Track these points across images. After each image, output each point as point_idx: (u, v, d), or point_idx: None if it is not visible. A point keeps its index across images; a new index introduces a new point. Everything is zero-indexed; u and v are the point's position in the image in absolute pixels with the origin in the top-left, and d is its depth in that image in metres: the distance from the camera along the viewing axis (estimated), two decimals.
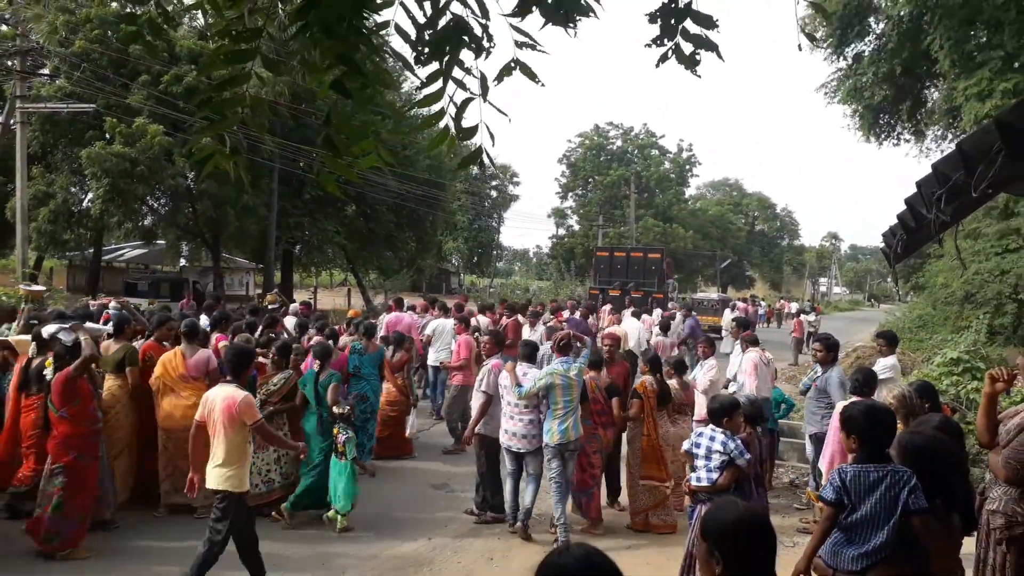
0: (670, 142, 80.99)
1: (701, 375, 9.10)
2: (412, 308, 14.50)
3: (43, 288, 13.61)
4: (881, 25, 19.45)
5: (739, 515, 2.53)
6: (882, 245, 5.23)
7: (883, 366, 8.40)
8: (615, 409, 7.78)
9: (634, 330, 14.75)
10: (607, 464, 8.09)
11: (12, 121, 20.15)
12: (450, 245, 59.18)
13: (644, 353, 11.35)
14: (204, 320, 10.16)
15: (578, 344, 7.82)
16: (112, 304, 11.79)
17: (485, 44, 2.26)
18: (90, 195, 24.74)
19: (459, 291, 50.60)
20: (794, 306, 39.12)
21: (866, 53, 20.17)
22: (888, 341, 8.96)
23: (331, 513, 7.21)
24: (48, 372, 6.45)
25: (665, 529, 7.54)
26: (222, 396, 5.45)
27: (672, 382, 8.18)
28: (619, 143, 64.80)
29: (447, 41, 2.20)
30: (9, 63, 20.84)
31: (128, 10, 24.33)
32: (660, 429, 7.70)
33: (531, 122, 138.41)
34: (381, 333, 11.67)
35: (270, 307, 13.62)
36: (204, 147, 2.57)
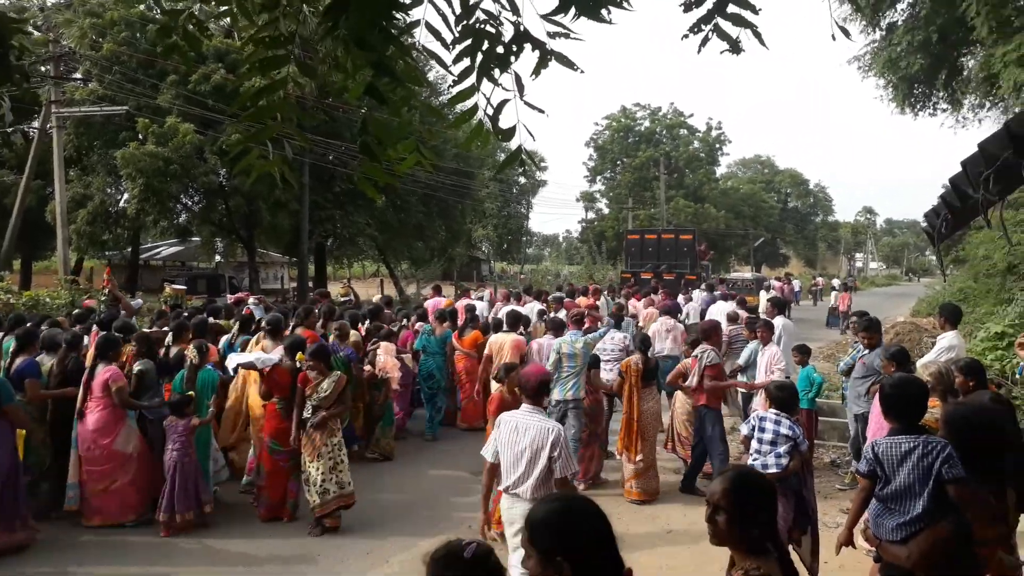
0: (699, 121, 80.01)
1: (763, 362, 9.00)
2: (481, 298, 15.93)
3: (184, 287, 14.31)
4: None
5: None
6: (924, 225, 5.14)
7: (944, 345, 7.63)
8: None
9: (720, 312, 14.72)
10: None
11: (48, 126, 20.52)
12: (480, 233, 59.14)
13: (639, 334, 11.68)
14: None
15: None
16: (252, 300, 13.58)
17: (514, 48, 2.25)
18: (126, 195, 25.20)
19: (489, 278, 50.67)
20: (835, 281, 39.25)
21: (899, 23, 19.68)
22: (949, 316, 7.87)
23: None
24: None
25: (644, 497, 8.01)
26: None
27: None
28: (647, 124, 64.02)
29: (478, 38, 2.19)
30: (43, 68, 21.20)
31: (155, 12, 24.56)
32: (643, 405, 8.10)
33: (557, 106, 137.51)
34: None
35: (342, 299, 14.10)
36: (241, 150, 2.60)
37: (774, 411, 5.46)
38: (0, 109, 2.86)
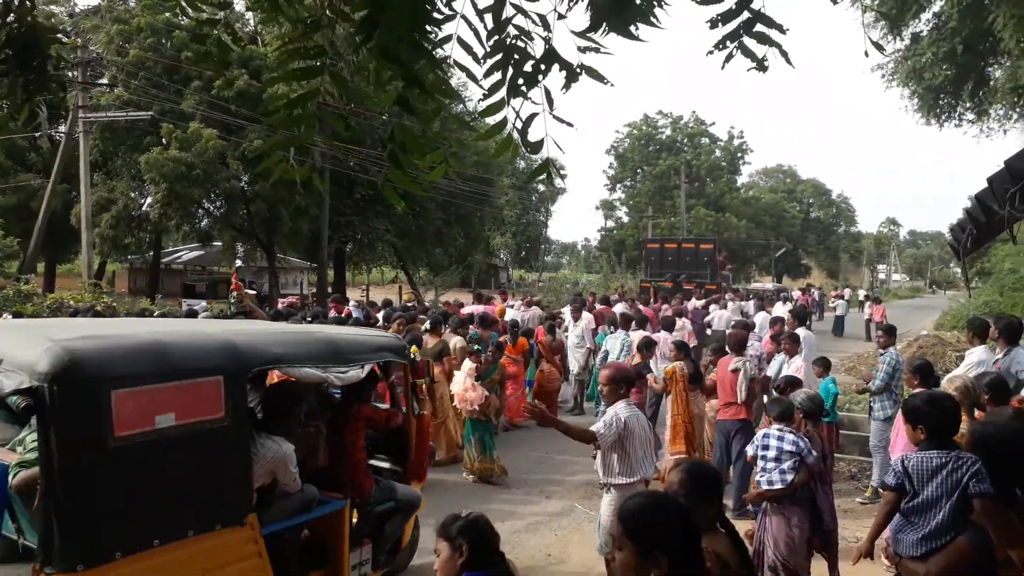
0: (720, 130, 79.91)
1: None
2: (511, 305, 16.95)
3: (253, 292, 14.74)
4: (939, 2, 18.81)
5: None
6: (949, 239, 5.10)
7: (972, 360, 7.38)
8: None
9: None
10: None
11: (75, 131, 20.83)
12: (498, 240, 59.30)
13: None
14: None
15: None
16: (353, 302, 15.85)
17: (542, 68, 2.27)
18: (149, 199, 25.51)
19: (507, 286, 50.72)
20: (861, 293, 39.38)
21: (924, 33, 19.54)
22: (977, 330, 7.64)
23: None
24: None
25: None
26: None
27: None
28: (668, 132, 63.97)
29: (508, 54, 2.21)
30: (70, 74, 21.52)
31: (180, 19, 24.96)
32: (693, 408, 8.33)
33: (578, 114, 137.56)
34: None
35: (407, 305, 14.75)
36: (271, 157, 2.63)
37: (777, 427, 5.42)
38: (37, 118, 2.91)
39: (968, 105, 21.11)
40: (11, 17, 2.74)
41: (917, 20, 19.35)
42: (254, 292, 15.82)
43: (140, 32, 24.68)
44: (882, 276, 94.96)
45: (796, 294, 33.20)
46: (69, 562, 3.32)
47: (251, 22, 26.74)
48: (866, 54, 2.12)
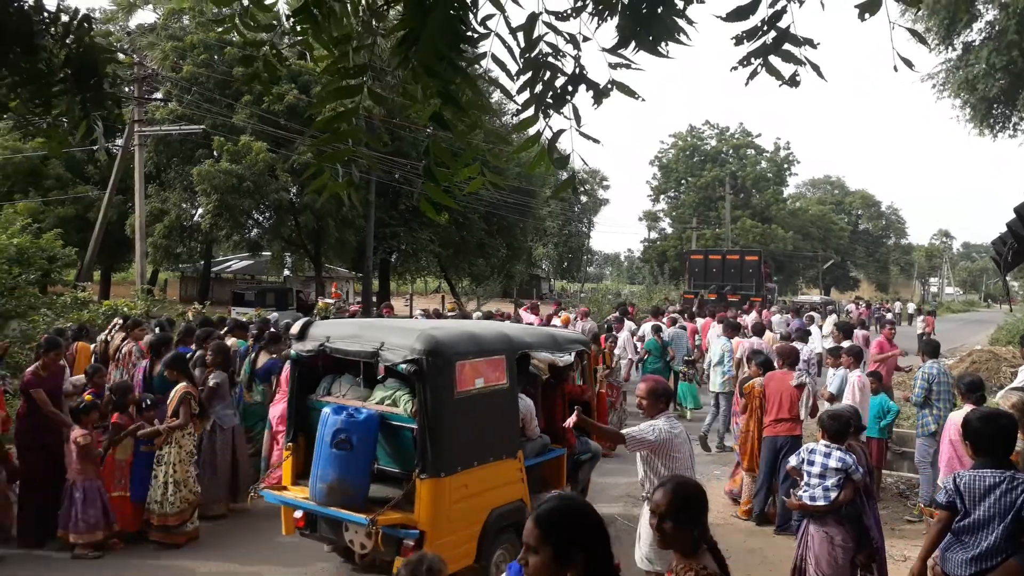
0: (767, 141, 78.92)
1: (851, 388, 8.47)
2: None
3: (332, 301, 15.72)
4: (992, 12, 18.38)
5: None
6: (992, 253, 5.00)
7: None
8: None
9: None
10: None
11: (131, 144, 21.49)
12: (540, 251, 59.33)
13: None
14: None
15: None
16: (419, 310, 16.60)
17: (570, 89, 2.32)
18: (200, 210, 26.17)
19: (549, 297, 50.69)
20: (910, 306, 38.47)
21: (976, 42, 19.10)
22: None
23: None
24: None
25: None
26: None
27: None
28: (713, 143, 63.46)
29: (540, 71, 2.27)
30: (127, 89, 22.24)
31: (232, 36, 25.70)
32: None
33: (620, 124, 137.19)
34: None
35: (449, 314, 15.19)
36: (315, 171, 2.73)
37: (824, 443, 5.32)
38: (93, 134, 3.05)
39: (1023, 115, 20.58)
40: (70, 39, 2.89)
41: (969, 30, 18.93)
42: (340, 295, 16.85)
43: (193, 49, 25.41)
44: (934, 289, 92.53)
45: (850, 307, 32.53)
46: (435, 471, 5.21)
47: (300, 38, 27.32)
48: (895, 69, 2.12)
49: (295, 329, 6.23)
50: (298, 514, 5.84)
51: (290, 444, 6.13)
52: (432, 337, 5.31)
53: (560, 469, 6.75)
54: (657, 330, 13.39)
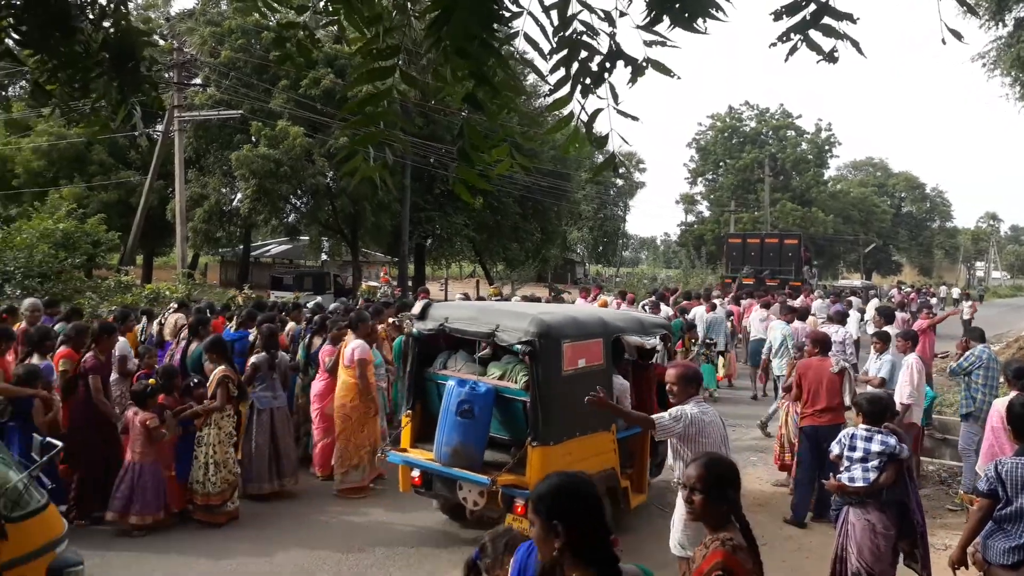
0: (807, 122, 77.34)
1: (904, 372, 8.27)
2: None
3: (379, 285, 16.35)
4: None
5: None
6: None
7: None
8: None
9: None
10: None
11: (171, 129, 21.82)
12: (575, 235, 59.10)
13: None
14: None
15: None
16: (460, 294, 16.10)
17: (607, 66, 2.28)
18: (239, 195, 26.51)
19: (584, 282, 50.51)
20: (955, 291, 37.83)
21: None
22: None
23: None
24: None
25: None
26: None
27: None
28: (753, 124, 62.39)
29: (574, 50, 2.23)
30: (167, 75, 22.55)
31: (270, 21, 25.84)
32: None
33: (657, 106, 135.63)
34: None
35: (494, 299, 15.64)
36: (348, 153, 2.72)
37: (864, 427, 5.20)
38: (132, 118, 3.08)
39: None
40: (107, 22, 2.91)
41: (1020, 4, 18.30)
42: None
43: (231, 34, 25.65)
44: (980, 273, 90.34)
45: (893, 292, 31.84)
46: (545, 440, 5.87)
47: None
48: (943, 41, 2.04)
49: (416, 310, 6.98)
50: (415, 473, 6.48)
51: (408, 412, 6.81)
52: (544, 321, 5.94)
53: (645, 443, 7.20)
54: (683, 311, 13.64)
